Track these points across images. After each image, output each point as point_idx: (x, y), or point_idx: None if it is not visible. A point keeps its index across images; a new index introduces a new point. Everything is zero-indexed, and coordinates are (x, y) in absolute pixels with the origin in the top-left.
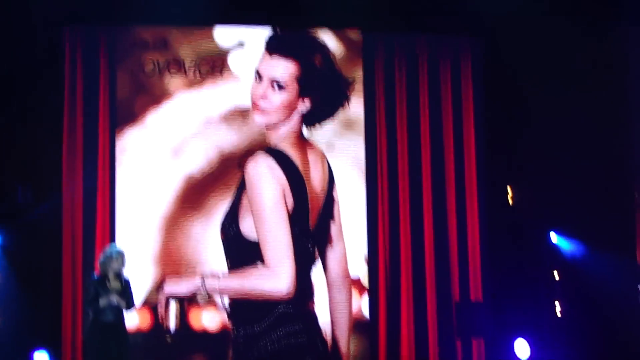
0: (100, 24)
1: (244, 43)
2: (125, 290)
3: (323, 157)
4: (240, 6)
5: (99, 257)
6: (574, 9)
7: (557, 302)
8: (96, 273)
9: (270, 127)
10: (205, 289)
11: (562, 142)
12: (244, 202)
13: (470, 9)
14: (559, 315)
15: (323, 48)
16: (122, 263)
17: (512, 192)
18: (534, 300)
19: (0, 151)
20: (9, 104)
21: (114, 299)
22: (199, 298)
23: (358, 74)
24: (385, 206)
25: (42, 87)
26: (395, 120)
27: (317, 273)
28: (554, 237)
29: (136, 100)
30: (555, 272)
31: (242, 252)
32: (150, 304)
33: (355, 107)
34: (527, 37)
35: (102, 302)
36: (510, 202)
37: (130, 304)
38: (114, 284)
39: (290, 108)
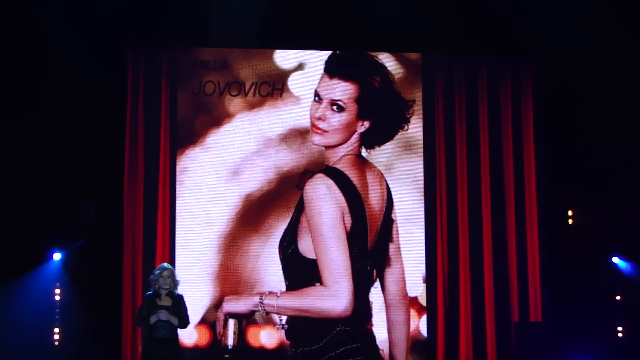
0: (162, 45)
1: (304, 65)
2: (176, 307)
3: (382, 178)
4: (300, 30)
5: (150, 275)
6: (637, 28)
7: (618, 325)
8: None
9: (329, 147)
10: (264, 308)
11: (624, 164)
12: (303, 221)
13: (529, 29)
14: (620, 337)
15: (382, 70)
16: (172, 280)
17: (574, 213)
18: (595, 322)
19: (63, 169)
20: (73, 121)
21: (164, 315)
22: (258, 316)
23: (417, 96)
24: (444, 226)
25: (104, 106)
26: (455, 142)
27: (375, 293)
28: (615, 259)
29: (197, 120)
30: (617, 295)
31: (301, 271)
32: (209, 321)
33: (415, 128)
34: (588, 56)
35: (153, 318)
36: (571, 223)
37: (183, 320)
38: (164, 300)
39: (350, 129)
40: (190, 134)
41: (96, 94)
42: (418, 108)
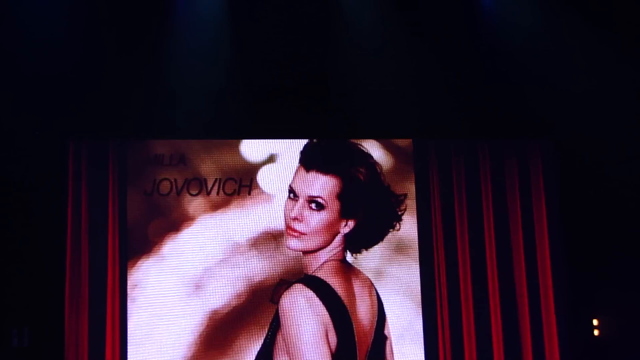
0: (110, 137)
1: (276, 156)
2: None
3: (371, 287)
4: (270, 116)
5: None
6: None
7: None
8: None
9: (308, 253)
10: None
11: None
12: (279, 341)
13: (531, 108)
14: None
15: (368, 160)
16: None
17: (599, 323)
18: None
19: None
20: (4, 227)
21: None
22: None
23: (410, 189)
24: (447, 344)
25: (41, 208)
26: (456, 239)
27: None
28: None
29: (150, 225)
30: None
31: None
32: None
33: (408, 226)
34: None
35: None
36: (597, 334)
37: None
38: None
39: (332, 230)
40: (143, 241)
41: (32, 195)
42: (411, 203)
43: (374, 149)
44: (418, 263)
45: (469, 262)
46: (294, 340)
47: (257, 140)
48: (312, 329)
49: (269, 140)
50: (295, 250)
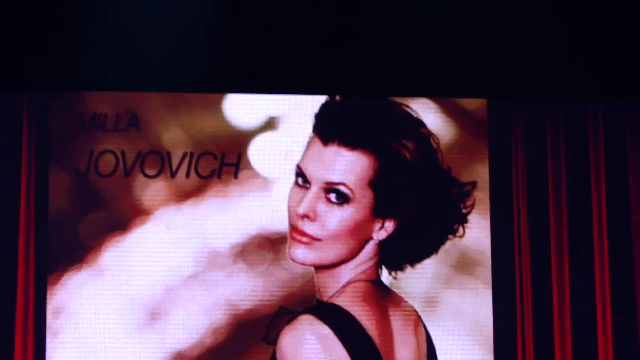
0: (24, 88)
1: (276, 121)
2: None
3: (418, 322)
4: (270, 63)
5: None
6: None
7: None
8: None
9: (322, 268)
10: None
11: None
12: None
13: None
14: None
15: (418, 129)
16: None
17: None
18: None
19: None
20: None
21: None
22: None
23: (482, 174)
24: None
25: None
26: (550, 251)
27: None
28: None
29: (83, 221)
30: None
31: None
32: None
33: (477, 231)
34: None
35: None
36: None
37: None
38: None
39: (360, 235)
40: (71, 246)
41: None
42: (482, 196)
43: (428, 114)
44: (490, 288)
45: (568, 287)
46: None
47: (249, 95)
48: None
49: (266, 96)
50: (303, 263)
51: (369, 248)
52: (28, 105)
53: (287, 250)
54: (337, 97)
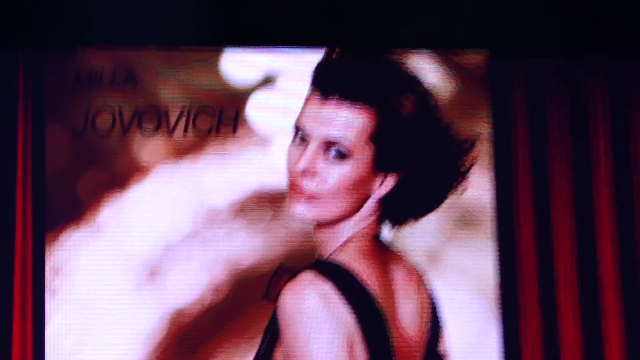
0: (19, 45)
1: (274, 77)
2: None
3: (420, 279)
4: (268, 16)
5: None
6: None
7: None
8: None
9: (323, 225)
10: None
11: None
12: (277, 358)
13: None
14: None
15: (417, 84)
16: None
17: None
18: None
19: None
20: None
21: None
22: None
23: (482, 129)
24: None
25: None
26: (551, 206)
27: None
28: None
29: (81, 179)
30: None
31: None
32: None
33: (478, 187)
34: None
35: None
36: None
37: None
38: None
39: (360, 191)
40: (69, 204)
41: None
42: (484, 152)
43: (428, 69)
44: (493, 243)
45: (575, 242)
46: (300, 355)
47: (246, 50)
48: (328, 341)
49: (264, 50)
50: (303, 220)
51: (370, 204)
52: (24, 62)
53: (287, 207)
54: (337, 51)
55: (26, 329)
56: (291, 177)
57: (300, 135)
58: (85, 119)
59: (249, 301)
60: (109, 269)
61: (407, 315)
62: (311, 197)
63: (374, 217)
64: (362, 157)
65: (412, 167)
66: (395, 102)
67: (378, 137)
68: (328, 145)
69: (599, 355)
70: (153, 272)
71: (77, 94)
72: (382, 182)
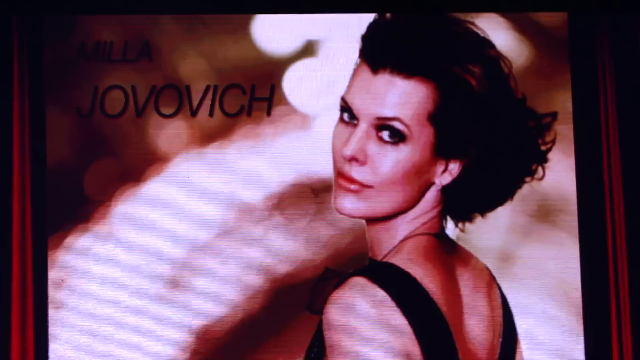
0: (15, 10)
1: (316, 45)
2: None
3: (492, 284)
4: None
5: None
6: None
7: None
8: None
9: (375, 221)
10: None
11: None
12: None
13: None
14: None
15: (485, 50)
16: None
17: None
18: None
19: None
20: None
21: None
22: None
23: (564, 103)
24: None
25: None
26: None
27: None
28: None
29: (88, 171)
30: None
31: None
32: None
33: (560, 172)
34: None
35: None
36: None
37: None
38: None
39: (419, 181)
40: (74, 201)
41: None
42: (565, 130)
43: (497, 32)
44: (577, 240)
45: None
46: None
47: (281, 15)
48: (382, 355)
49: (303, 15)
50: (352, 215)
51: (431, 195)
52: (19, 31)
53: (332, 200)
54: (388, 15)
55: (27, 350)
56: (338, 164)
57: (348, 114)
58: (92, 99)
59: (288, 313)
60: (123, 278)
61: (475, 327)
62: (361, 188)
63: (435, 211)
64: (421, 140)
65: (480, 149)
66: (459, 72)
67: (439, 117)
68: (380, 125)
69: None
70: (175, 281)
71: (82, 70)
72: (445, 169)
